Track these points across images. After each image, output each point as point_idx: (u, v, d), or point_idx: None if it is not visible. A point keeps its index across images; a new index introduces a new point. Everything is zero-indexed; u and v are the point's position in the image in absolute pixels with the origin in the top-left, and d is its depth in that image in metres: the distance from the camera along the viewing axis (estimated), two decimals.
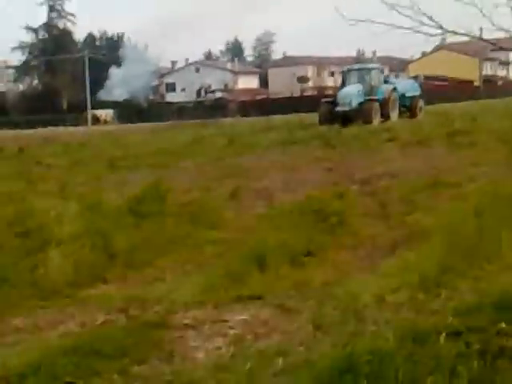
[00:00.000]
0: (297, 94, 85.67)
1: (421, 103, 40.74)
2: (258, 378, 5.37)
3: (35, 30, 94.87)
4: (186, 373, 5.57)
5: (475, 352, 5.31)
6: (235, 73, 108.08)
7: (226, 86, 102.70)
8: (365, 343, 5.42)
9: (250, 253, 9.09)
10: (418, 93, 41.18)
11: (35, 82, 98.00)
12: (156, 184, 14.24)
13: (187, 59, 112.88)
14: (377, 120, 36.51)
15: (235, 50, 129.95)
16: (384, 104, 37.60)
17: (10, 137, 49.04)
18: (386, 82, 39.95)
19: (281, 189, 16.99)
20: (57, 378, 5.43)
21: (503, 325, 5.88)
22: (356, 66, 42.77)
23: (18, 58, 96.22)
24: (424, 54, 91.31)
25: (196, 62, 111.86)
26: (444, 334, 5.64)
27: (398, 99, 38.77)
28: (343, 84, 39.72)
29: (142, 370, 5.70)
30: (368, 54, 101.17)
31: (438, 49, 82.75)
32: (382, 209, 13.45)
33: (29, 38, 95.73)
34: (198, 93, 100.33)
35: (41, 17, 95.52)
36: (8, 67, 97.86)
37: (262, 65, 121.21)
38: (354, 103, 37.22)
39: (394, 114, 38.19)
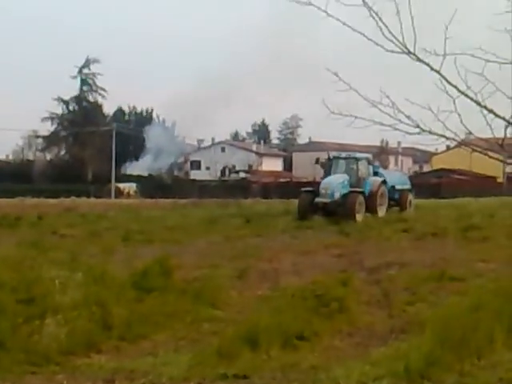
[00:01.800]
0: (320, 179, 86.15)
1: (410, 197, 38.27)
2: None
3: (66, 102, 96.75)
4: None
5: None
6: (260, 154, 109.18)
7: (250, 166, 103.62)
8: None
9: (244, 332, 9.22)
10: (407, 186, 38.84)
11: (62, 152, 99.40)
12: (162, 259, 14.41)
13: (213, 138, 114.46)
14: (361, 215, 33.38)
15: (261, 132, 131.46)
16: (371, 197, 34.57)
17: (32, 205, 49.65)
18: (375, 173, 36.73)
19: (289, 272, 17.16)
20: None
21: None
22: (343, 155, 38.74)
23: (47, 128, 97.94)
24: (448, 148, 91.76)
25: (222, 142, 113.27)
26: None
27: (387, 192, 36.10)
28: (328, 173, 36.33)
29: None
30: (393, 144, 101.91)
31: (468, 144, 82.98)
32: (384, 297, 13.56)
33: (59, 109, 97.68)
34: (223, 172, 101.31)
35: (72, 89, 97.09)
36: (37, 137, 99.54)
37: (287, 148, 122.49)
38: (337, 195, 33.84)
39: (383, 209, 35.26)
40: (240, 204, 45.51)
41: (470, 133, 5.03)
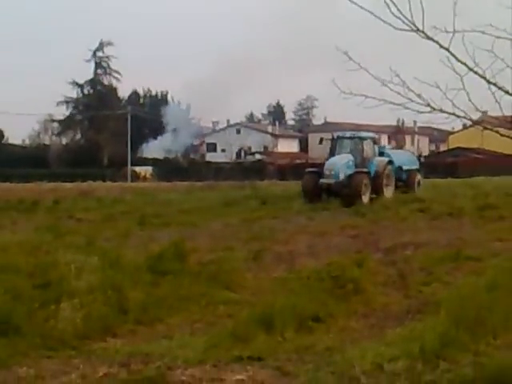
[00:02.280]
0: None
1: (419, 177, 36.85)
2: None
3: (81, 86, 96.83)
4: None
5: None
6: (275, 136, 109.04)
7: (265, 148, 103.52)
8: None
9: (259, 315, 9.25)
10: (415, 166, 37.45)
11: (78, 136, 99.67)
12: (178, 243, 14.46)
13: (228, 120, 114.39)
14: (367, 196, 32.32)
15: (277, 113, 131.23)
16: (377, 178, 33.28)
17: (48, 189, 49.86)
18: (381, 153, 35.49)
19: (304, 253, 17.17)
20: None
21: None
22: (347, 134, 37.15)
23: (62, 112, 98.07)
24: (465, 126, 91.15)
25: (237, 124, 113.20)
26: None
27: (394, 173, 34.78)
28: (332, 153, 34.96)
29: None
30: (409, 124, 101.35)
31: (479, 122, 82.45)
32: (400, 278, 13.55)
33: (74, 93, 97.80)
34: (238, 154, 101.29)
35: (87, 73, 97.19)
36: (53, 121, 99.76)
37: (303, 129, 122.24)
38: (342, 175, 32.70)
39: (389, 190, 33.94)
40: (256, 186, 45.46)
41: (478, 110, 4.98)
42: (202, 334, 9.03)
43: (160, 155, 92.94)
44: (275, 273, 14.23)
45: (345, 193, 31.96)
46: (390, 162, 34.65)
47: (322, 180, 32.86)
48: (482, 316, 8.97)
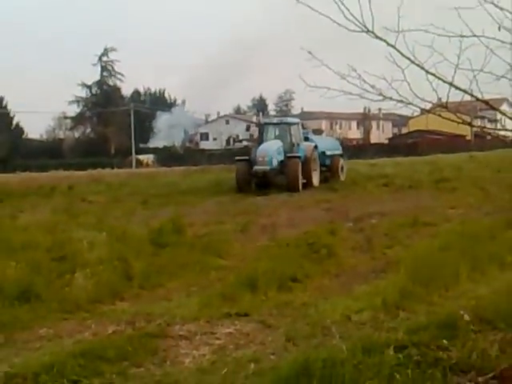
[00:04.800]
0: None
1: (342, 162, 32.10)
2: (232, 380, 5.57)
3: (89, 87, 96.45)
4: (172, 375, 5.79)
5: (413, 362, 5.47)
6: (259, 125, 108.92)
7: (251, 136, 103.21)
8: (322, 353, 5.59)
9: (245, 278, 9.34)
10: (338, 151, 32.87)
11: (88, 130, 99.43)
12: (175, 219, 14.53)
13: (218, 112, 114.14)
14: (300, 182, 27.73)
15: (260, 105, 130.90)
16: (306, 163, 28.51)
17: (63, 177, 49.61)
18: (305, 139, 30.69)
19: (285, 225, 17.24)
20: (65, 376, 5.67)
21: (444, 341, 6.04)
22: (275, 120, 32.92)
23: (74, 110, 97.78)
24: (422, 112, 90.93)
25: (226, 115, 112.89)
26: (392, 347, 5.81)
27: (318, 158, 30.09)
28: (260, 140, 30.05)
29: (138, 372, 5.92)
30: (375, 111, 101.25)
31: (435, 107, 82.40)
32: (367, 243, 13.67)
33: (83, 93, 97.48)
34: (228, 141, 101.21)
35: (94, 75, 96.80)
36: (66, 118, 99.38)
37: None
38: (275, 162, 27.84)
39: (316, 175, 29.54)
40: None
41: (417, 97, 5.10)
42: (197, 296, 9.11)
43: (160, 145, 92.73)
44: (259, 242, 14.30)
45: (281, 180, 27.99)
46: (316, 147, 30.27)
47: (255, 167, 27.84)
48: (436, 272, 9.10)
